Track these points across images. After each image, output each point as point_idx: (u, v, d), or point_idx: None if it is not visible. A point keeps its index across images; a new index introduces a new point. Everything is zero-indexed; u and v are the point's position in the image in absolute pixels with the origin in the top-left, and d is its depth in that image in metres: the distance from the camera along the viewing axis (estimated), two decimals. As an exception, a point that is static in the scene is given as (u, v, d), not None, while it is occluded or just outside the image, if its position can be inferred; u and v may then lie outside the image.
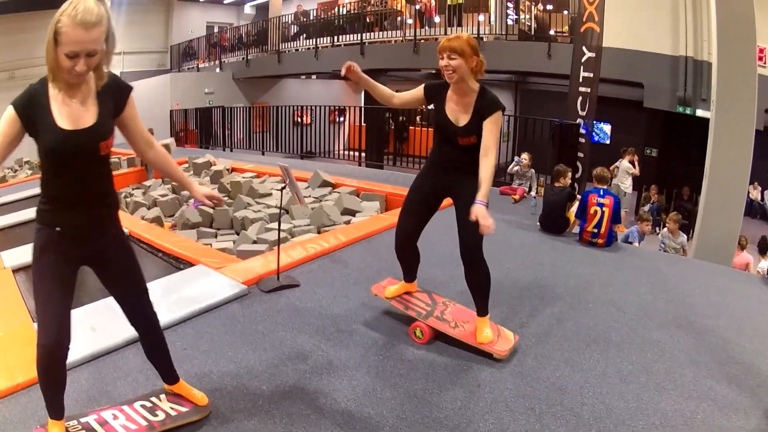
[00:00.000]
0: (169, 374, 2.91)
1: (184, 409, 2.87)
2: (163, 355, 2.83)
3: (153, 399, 2.92)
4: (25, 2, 19.64)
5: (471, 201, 3.26)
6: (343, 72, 3.56)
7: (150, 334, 2.74)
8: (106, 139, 2.33)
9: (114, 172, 11.24)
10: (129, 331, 2.84)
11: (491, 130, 3.33)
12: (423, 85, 3.66)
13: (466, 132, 3.39)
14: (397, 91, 3.81)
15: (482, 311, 3.68)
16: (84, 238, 2.41)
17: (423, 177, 3.73)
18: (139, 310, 2.66)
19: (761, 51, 10.53)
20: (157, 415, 2.79)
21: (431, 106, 3.62)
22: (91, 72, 2.24)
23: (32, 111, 2.22)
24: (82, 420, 2.67)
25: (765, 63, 10.97)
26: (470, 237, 3.41)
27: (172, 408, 2.86)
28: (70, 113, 2.25)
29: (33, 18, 19.47)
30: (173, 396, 2.94)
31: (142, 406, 2.85)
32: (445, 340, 3.79)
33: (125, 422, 2.70)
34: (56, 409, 2.50)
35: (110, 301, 2.70)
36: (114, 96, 2.38)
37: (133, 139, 2.54)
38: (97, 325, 3.76)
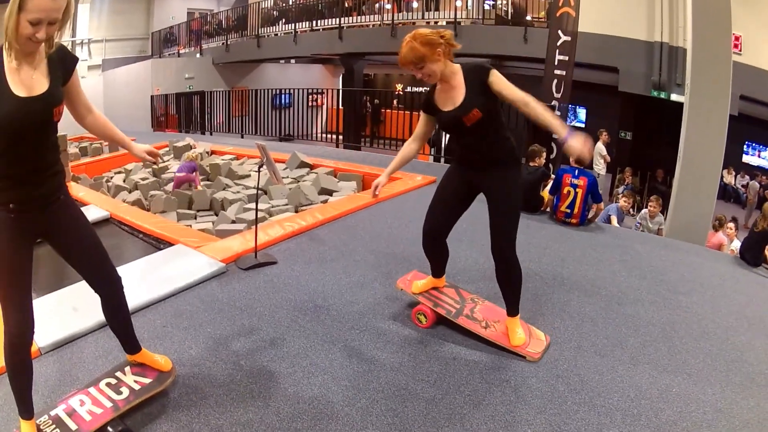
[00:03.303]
0: (130, 342, 2.87)
1: (147, 380, 2.87)
2: (124, 320, 2.80)
3: (118, 374, 2.90)
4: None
5: (502, 198, 3.29)
6: (373, 197, 3.59)
7: (113, 296, 2.70)
8: (58, 105, 2.33)
9: (97, 157, 11.01)
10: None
11: (504, 87, 3.13)
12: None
13: (465, 109, 3.19)
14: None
15: (513, 311, 3.57)
16: (40, 210, 2.37)
17: (449, 175, 3.58)
18: (100, 269, 2.63)
19: (737, 38, 10.67)
20: (121, 393, 2.77)
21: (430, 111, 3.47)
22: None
23: None
24: (52, 413, 2.63)
25: (740, 50, 11.11)
26: (502, 236, 3.36)
27: (135, 381, 2.85)
28: (24, 81, 2.22)
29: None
30: (137, 367, 2.93)
31: (107, 384, 2.83)
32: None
33: (91, 407, 2.68)
34: (26, 406, 2.47)
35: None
36: (62, 65, 2.37)
37: (76, 106, 2.56)
38: (79, 305, 3.75)
